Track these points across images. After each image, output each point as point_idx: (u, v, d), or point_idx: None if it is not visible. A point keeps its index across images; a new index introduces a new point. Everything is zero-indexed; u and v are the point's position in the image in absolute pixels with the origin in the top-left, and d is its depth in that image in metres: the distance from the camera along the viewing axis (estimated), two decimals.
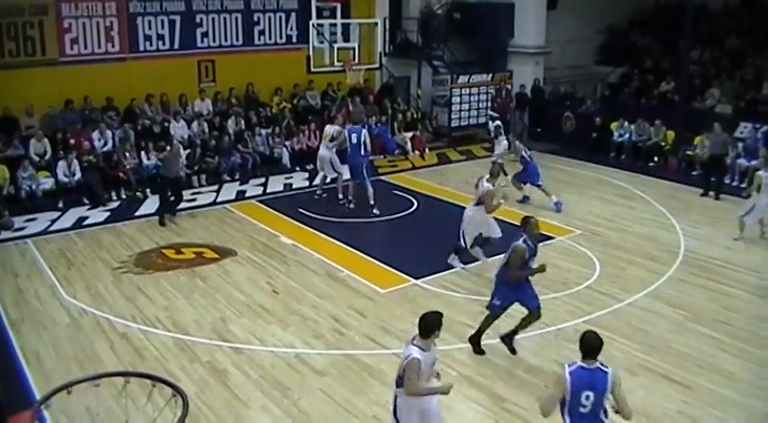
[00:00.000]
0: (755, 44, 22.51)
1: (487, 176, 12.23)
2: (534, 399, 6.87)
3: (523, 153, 16.07)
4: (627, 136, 21.03)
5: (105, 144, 17.41)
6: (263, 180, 18.22)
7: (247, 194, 17.18)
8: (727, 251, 13.51)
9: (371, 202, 15.39)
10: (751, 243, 13.86)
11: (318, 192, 16.64)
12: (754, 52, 22.24)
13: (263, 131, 19.31)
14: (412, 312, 9.98)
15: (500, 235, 11.86)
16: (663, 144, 20.35)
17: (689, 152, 19.29)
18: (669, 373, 9.17)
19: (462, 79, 22.71)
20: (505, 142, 17.41)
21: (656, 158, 20.32)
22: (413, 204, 16.21)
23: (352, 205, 15.78)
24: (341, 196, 16.15)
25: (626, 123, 21.18)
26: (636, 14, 26.38)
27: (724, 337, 10.16)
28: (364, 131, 15.65)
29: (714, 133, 17.21)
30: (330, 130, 16.16)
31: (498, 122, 18.59)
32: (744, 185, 17.14)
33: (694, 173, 18.52)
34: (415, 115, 22.39)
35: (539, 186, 15.93)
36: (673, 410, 8.35)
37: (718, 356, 9.63)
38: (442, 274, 12.21)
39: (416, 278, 12.01)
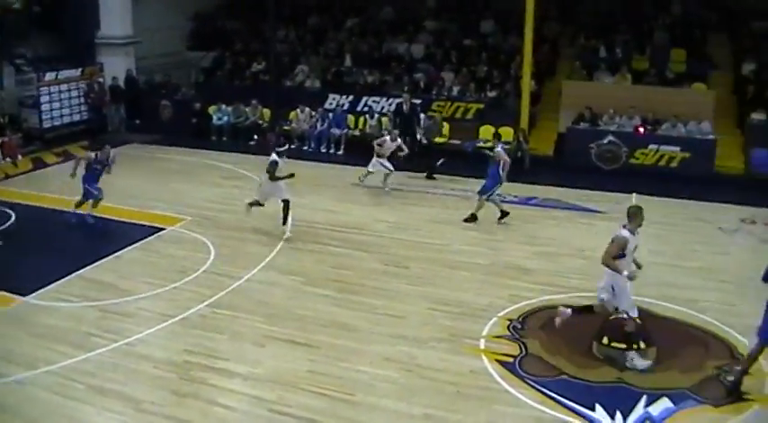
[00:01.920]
0: (335, 21, 24.32)
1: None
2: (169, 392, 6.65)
3: None
4: (226, 118, 21.37)
5: None
6: None
7: None
8: (329, 214, 14.40)
9: None
10: (353, 203, 14.97)
11: None
12: (335, 28, 24.02)
13: None
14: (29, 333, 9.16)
15: None
16: (260, 122, 21.03)
17: (285, 127, 20.21)
18: (293, 337, 9.48)
19: (50, 76, 21.05)
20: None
21: (255, 137, 20.92)
22: (10, 217, 14.54)
23: None
24: None
25: (223, 106, 21.48)
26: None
27: (337, 294, 10.81)
28: None
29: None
30: None
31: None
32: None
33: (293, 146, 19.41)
34: (2, 120, 20.18)
35: None
36: (303, 371, 8.64)
37: (335, 312, 10.21)
38: (52, 286, 11.14)
39: (25, 295, 10.81)
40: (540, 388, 8.29)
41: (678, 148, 17.90)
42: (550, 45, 22.33)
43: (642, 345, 9.05)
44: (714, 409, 8.05)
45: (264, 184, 13.20)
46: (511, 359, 8.90)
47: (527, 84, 19.04)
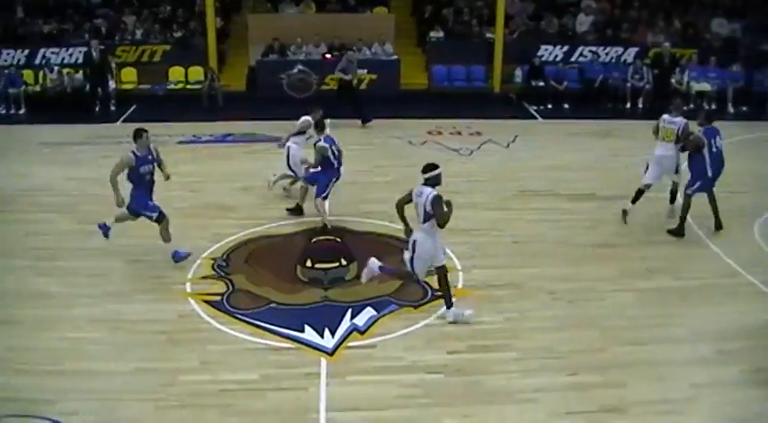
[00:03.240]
0: None
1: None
2: None
3: None
4: None
5: None
6: None
7: None
8: (16, 179, 13.19)
9: None
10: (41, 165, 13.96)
11: None
12: None
13: None
14: None
15: None
16: None
17: None
18: None
19: None
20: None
21: None
22: None
23: None
24: None
25: None
26: None
27: (37, 263, 10.01)
28: None
29: None
30: None
31: None
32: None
33: None
34: None
35: None
36: (2, 350, 7.93)
37: (37, 282, 9.45)
38: None
39: None
40: (249, 320, 8.40)
41: (365, 71, 18.65)
42: None
43: (344, 261, 9.50)
44: (414, 310, 8.72)
45: None
46: (218, 297, 8.90)
47: (212, 21, 18.74)
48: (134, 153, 9.51)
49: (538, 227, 11.22)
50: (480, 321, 8.51)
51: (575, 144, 15.56)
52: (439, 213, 8.10)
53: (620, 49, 20.09)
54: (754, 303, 9.22)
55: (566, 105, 18.68)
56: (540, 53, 19.76)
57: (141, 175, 9.55)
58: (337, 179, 11.07)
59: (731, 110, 18.83)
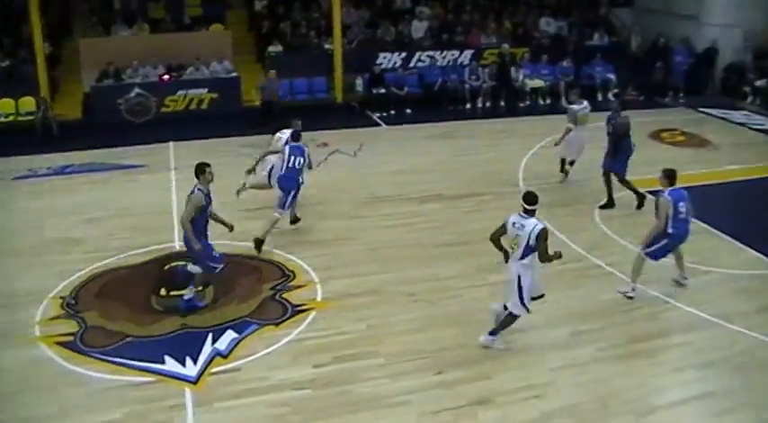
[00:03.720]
0: None
1: None
2: None
3: None
4: None
5: None
6: None
7: None
8: None
9: None
10: None
11: None
12: None
13: None
14: None
15: None
16: None
17: None
18: None
19: None
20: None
21: None
22: None
23: None
24: None
25: None
26: None
27: None
28: None
29: None
30: None
31: None
32: None
33: None
34: None
35: None
36: None
37: None
38: None
39: None
40: (105, 358, 8.07)
41: (205, 90, 18.48)
42: (61, 2, 21.02)
43: (199, 287, 9.32)
44: (276, 328, 8.69)
45: None
46: (71, 338, 8.49)
47: (40, 47, 17.84)
48: (201, 190, 8.68)
49: (391, 232, 11.47)
50: (343, 331, 8.61)
51: (419, 147, 15.99)
52: (543, 248, 7.72)
53: (456, 53, 20.83)
54: (603, 284, 9.86)
55: (408, 110, 19.12)
56: (379, 61, 20.15)
57: (205, 215, 8.81)
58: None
59: (565, 103, 19.96)
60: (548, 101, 20.30)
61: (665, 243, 9.12)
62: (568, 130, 12.94)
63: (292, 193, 10.89)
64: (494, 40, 21.20)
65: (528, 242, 7.69)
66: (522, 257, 7.81)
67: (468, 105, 19.77)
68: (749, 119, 19.34)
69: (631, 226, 11.45)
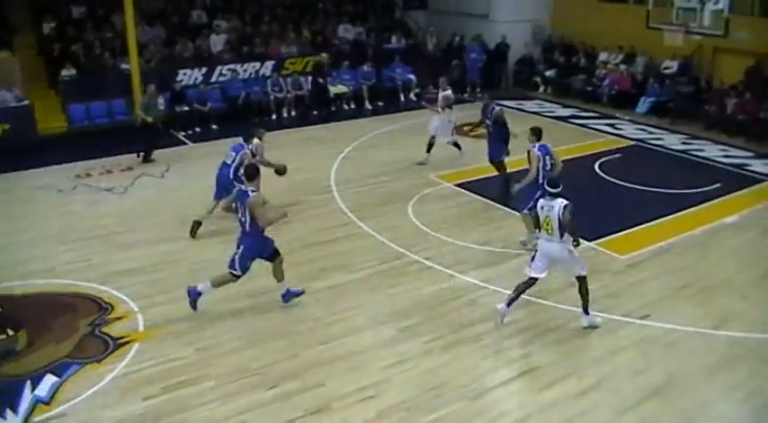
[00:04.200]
0: None
1: None
2: None
3: None
4: None
5: None
6: None
7: None
8: None
9: None
10: None
11: None
12: None
13: None
14: None
15: None
16: None
17: None
18: None
19: None
20: None
21: None
22: None
23: None
24: None
25: None
26: None
27: None
28: None
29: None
30: None
31: None
32: None
33: None
34: None
35: None
36: None
37: None
38: None
39: None
40: None
41: None
42: None
43: (10, 332, 8.73)
44: (98, 365, 8.26)
45: None
46: None
47: None
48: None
49: (210, 250, 11.18)
50: (171, 358, 8.33)
51: None
52: (570, 222, 8.38)
53: (258, 64, 20.71)
54: (422, 279, 10.22)
55: (213, 126, 18.79)
56: (179, 78, 19.70)
57: None
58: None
59: (369, 106, 20.58)
60: (352, 105, 20.70)
61: (538, 195, 9.56)
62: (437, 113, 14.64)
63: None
64: (294, 49, 21.32)
65: (559, 220, 8.43)
66: (561, 236, 8.51)
67: (275, 116, 19.77)
68: (541, 107, 20.95)
69: (442, 220, 11.93)
